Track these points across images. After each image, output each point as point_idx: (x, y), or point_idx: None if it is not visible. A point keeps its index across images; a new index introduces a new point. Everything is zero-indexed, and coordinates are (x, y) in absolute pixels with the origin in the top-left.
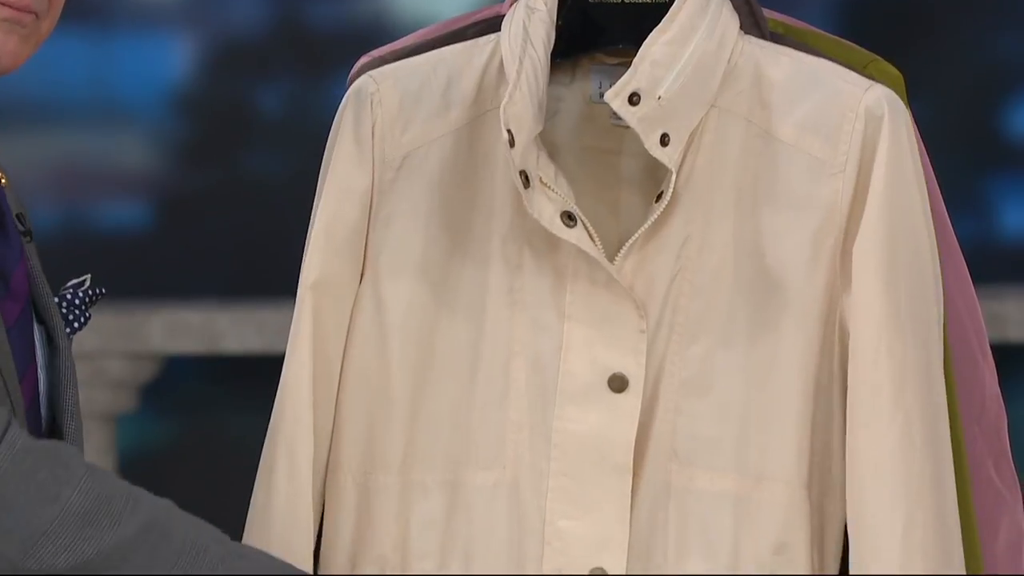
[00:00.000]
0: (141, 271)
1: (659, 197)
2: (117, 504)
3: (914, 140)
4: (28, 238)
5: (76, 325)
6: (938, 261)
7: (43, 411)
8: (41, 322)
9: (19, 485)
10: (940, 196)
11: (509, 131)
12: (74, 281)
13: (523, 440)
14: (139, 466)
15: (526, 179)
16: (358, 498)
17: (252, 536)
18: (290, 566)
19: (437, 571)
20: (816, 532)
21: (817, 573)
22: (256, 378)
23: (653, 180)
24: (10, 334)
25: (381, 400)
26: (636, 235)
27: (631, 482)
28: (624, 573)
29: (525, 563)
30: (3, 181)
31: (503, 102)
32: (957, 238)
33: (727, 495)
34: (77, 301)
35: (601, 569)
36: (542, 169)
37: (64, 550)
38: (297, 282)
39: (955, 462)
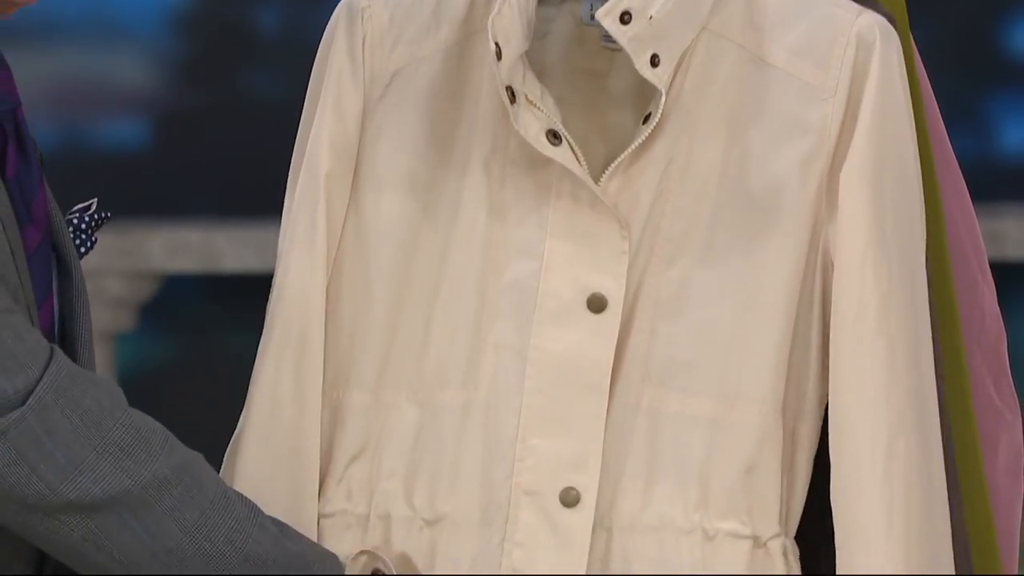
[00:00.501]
0: (140, 189)
1: (647, 118)
2: (156, 441)
3: (904, 67)
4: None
5: (83, 250)
6: (922, 188)
7: (56, 337)
8: (53, 248)
9: (64, 411)
10: (939, 115)
11: (496, 44)
12: (80, 205)
13: (498, 359)
14: (138, 384)
15: (512, 95)
16: (331, 414)
17: (251, 451)
18: (302, 536)
19: (403, 489)
20: (787, 456)
21: (786, 496)
22: (255, 297)
23: (641, 102)
24: (30, 262)
25: (360, 317)
26: (623, 155)
27: (606, 402)
28: (596, 492)
29: (495, 481)
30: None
31: (491, 14)
32: (956, 157)
33: (700, 418)
34: (84, 225)
35: (573, 487)
36: (528, 87)
37: (102, 479)
38: None
39: (957, 381)
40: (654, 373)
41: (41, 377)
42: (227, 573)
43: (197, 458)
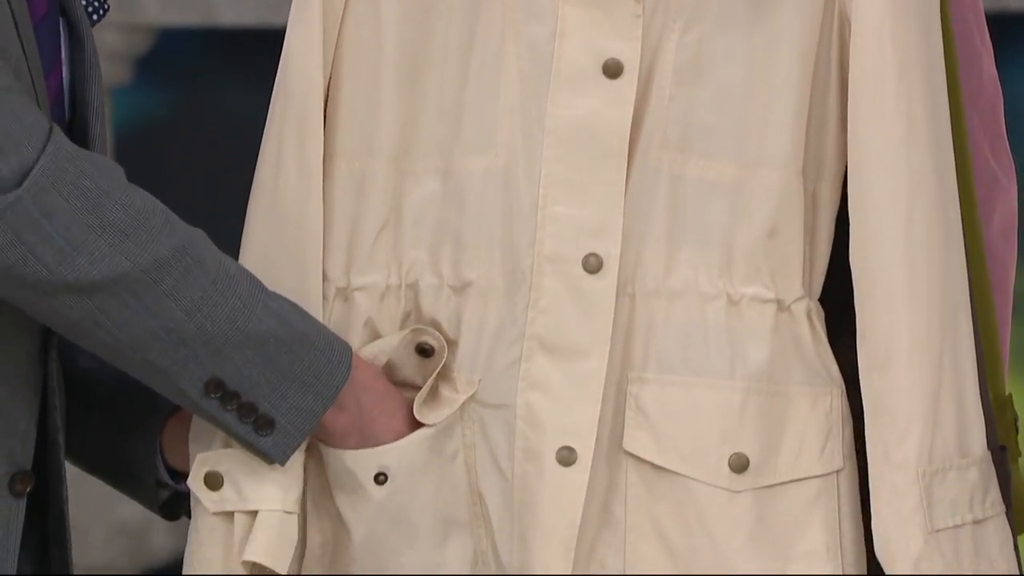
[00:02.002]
0: None
1: None
2: (156, 222)
3: None
4: None
5: (95, 17)
6: None
7: (66, 106)
8: (63, 14)
9: (62, 192)
10: None
11: None
12: None
13: (516, 126)
14: (134, 139)
15: None
16: (353, 186)
17: (258, 220)
18: (309, 316)
19: (428, 257)
20: (809, 218)
21: (809, 258)
22: (251, 51)
23: None
24: (37, 30)
25: (373, 84)
26: None
27: (625, 168)
28: (618, 258)
29: (518, 248)
30: None
31: None
32: None
33: (720, 183)
34: None
35: (595, 253)
36: None
37: (100, 261)
38: None
39: (957, 144)
40: (673, 138)
41: (38, 159)
42: (228, 351)
43: (199, 236)
